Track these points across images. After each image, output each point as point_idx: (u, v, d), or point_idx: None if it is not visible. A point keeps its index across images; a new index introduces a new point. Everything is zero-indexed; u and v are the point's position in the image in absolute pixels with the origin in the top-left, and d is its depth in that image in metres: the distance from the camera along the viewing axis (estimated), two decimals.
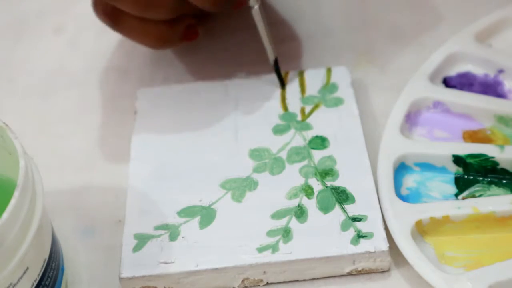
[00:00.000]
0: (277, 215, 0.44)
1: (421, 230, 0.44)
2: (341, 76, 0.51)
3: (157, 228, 0.44)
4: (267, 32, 0.49)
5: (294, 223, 0.43)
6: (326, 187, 0.45)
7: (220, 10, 0.48)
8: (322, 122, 0.48)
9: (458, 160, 0.46)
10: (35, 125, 0.52)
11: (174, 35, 0.49)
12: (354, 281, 0.43)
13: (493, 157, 0.45)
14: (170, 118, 0.50)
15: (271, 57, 0.50)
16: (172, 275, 0.42)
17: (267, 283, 0.43)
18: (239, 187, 0.45)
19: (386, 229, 0.43)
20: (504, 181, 0.45)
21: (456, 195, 0.45)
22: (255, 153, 0.47)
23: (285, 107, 0.50)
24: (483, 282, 0.40)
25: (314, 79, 0.51)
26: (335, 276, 0.43)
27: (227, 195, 0.45)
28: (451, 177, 0.46)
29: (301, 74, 0.51)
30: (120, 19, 0.48)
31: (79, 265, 0.45)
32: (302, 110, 0.49)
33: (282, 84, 0.50)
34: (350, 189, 0.44)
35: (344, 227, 0.43)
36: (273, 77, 0.51)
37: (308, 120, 0.49)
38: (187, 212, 0.45)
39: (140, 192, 0.46)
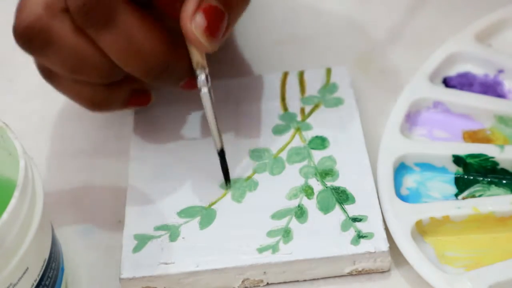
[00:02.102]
0: (277, 216, 0.44)
1: (421, 230, 0.44)
2: (341, 76, 0.51)
3: (157, 228, 0.44)
4: (215, 118, 0.44)
5: (294, 224, 0.43)
6: (326, 187, 0.45)
7: (158, 83, 0.43)
8: (322, 122, 0.48)
9: (458, 160, 0.46)
10: (35, 125, 0.52)
11: (113, 100, 0.46)
12: (354, 281, 0.43)
13: (493, 157, 0.45)
14: (170, 118, 0.50)
15: (217, 146, 0.44)
16: (172, 275, 0.42)
17: (267, 284, 0.43)
18: (239, 188, 0.45)
19: (386, 229, 0.43)
20: (504, 181, 0.45)
21: (456, 195, 0.45)
22: (255, 153, 0.47)
23: (285, 107, 0.50)
24: (483, 282, 0.40)
25: (314, 79, 0.51)
26: (335, 277, 0.43)
27: (227, 195, 0.45)
28: (451, 177, 0.46)
29: (301, 74, 0.51)
30: (56, 78, 0.45)
31: (79, 265, 0.45)
32: (302, 110, 0.49)
33: (227, 180, 0.45)
34: (350, 189, 0.44)
35: (344, 227, 0.43)
36: (273, 77, 0.51)
37: (308, 120, 0.49)
38: (187, 212, 0.45)
39: (140, 193, 0.46)
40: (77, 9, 0.40)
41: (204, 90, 0.43)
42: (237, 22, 0.44)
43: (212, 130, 0.44)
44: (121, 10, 0.41)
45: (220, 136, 0.44)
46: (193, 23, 0.41)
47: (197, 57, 0.43)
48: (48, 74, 0.45)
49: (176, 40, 0.42)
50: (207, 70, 0.43)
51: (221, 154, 0.45)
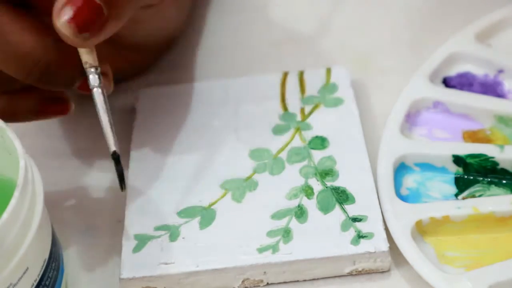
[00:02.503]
0: (277, 216, 0.44)
1: (421, 230, 0.44)
2: (340, 76, 0.51)
3: (157, 228, 0.44)
4: (108, 118, 0.41)
5: (294, 224, 0.43)
6: (326, 187, 0.45)
7: (47, 86, 0.41)
8: (322, 122, 0.48)
9: (458, 160, 0.46)
10: (35, 125, 0.52)
11: (21, 110, 0.43)
12: (354, 281, 0.43)
13: (493, 157, 0.45)
14: (170, 118, 0.50)
15: (110, 148, 0.41)
16: (172, 275, 0.42)
17: (267, 284, 0.43)
18: (239, 188, 0.45)
19: (386, 229, 0.43)
20: (504, 181, 0.45)
21: (456, 195, 0.45)
22: (255, 153, 0.47)
23: (285, 107, 0.50)
24: (483, 282, 0.40)
25: (313, 79, 0.51)
26: (335, 277, 0.43)
27: (227, 195, 0.45)
28: (451, 177, 0.46)
29: (300, 74, 0.51)
30: None
31: (79, 265, 0.45)
32: (302, 110, 0.49)
33: (122, 184, 0.42)
34: (350, 189, 0.44)
35: (344, 227, 0.43)
36: (273, 77, 0.51)
37: (308, 120, 0.49)
38: (187, 212, 0.45)
39: (140, 193, 0.46)
40: None
41: (96, 91, 0.41)
42: (127, 16, 0.41)
43: (105, 132, 0.41)
44: None
45: (114, 137, 0.41)
46: (61, 17, 0.39)
47: (84, 56, 0.41)
48: None
49: (60, 39, 0.40)
50: (99, 70, 0.41)
51: (115, 156, 0.41)
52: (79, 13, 0.39)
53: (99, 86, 0.41)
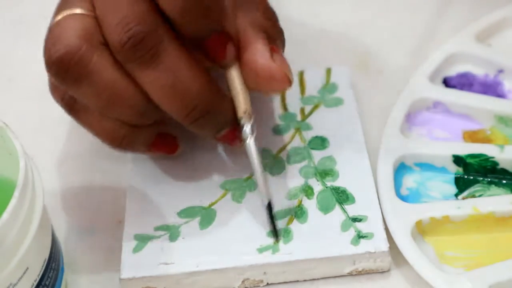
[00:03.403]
0: (277, 215, 0.44)
1: (421, 230, 0.44)
2: (340, 76, 0.51)
3: (157, 228, 0.44)
4: (261, 170, 0.42)
5: (294, 224, 0.43)
6: (326, 187, 0.45)
7: (195, 127, 0.42)
8: (322, 122, 0.48)
9: (458, 160, 0.46)
10: (35, 125, 0.52)
11: (138, 141, 0.44)
12: (354, 281, 0.43)
13: (493, 157, 0.45)
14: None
15: (264, 199, 0.42)
16: (172, 276, 0.42)
17: (268, 284, 0.43)
18: (239, 188, 0.45)
19: (386, 229, 0.43)
20: (504, 181, 0.45)
21: (456, 195, 0.45)
22: None
23: (285, 107, 0.50)
24: (483, 282, 0.40)
25: (313, 79, 0.51)
26: (335, 277, 0.43)
27: (227, 195, 0.45)
28: (451, 177, 0.46)
29: (300, 74, 0.51)
30: (78, 109, 0.43)
31: (79, 265, 0.45)
32: (302, 110, 0.49)
33: (276, 234, 0.42)
34: (350, 189, 0.44)
35: (344, 227, 0.43)
36: None
37: (308, 120, 0.49)
38: (187, 212, 0.45)
39: (140, 193, 0.46)
40: (120, 44, 0.39)
41: (250, 141, 0.42)
42: None
43: (258, 182, 0.42)
44: (167, 46, 0.40)
45: (267, 188, 0.42)
46: (276, 61, 0.42)
47: (243, 106, 0.42)
48: (71, 105, 0.43)
49: (217, 85, 0.41)
50: (253, 120, 0.42)
51: (269, 207, 0.42)
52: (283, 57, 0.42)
53: (253, 136, 0.42)
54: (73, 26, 0.40)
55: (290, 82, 0.42)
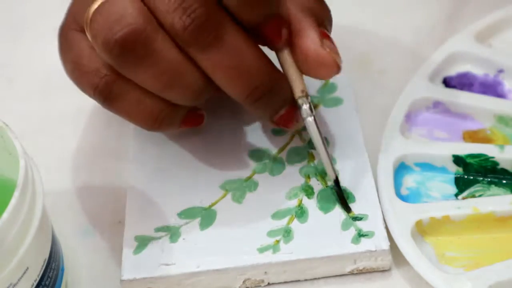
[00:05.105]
0: (277, 215, 0.44)
1: (421, 230, 0.44)
2: (340, 76, 0.50)
3: (158, 230, 0.44)
4: (324, 147, 0.43)
5: (294, 223, 0.43)
6: (327, 186, 0.45)
7: (256, 107, 0.42)
8: (322, 122, 0.48)
9: (458, 160, 0.46)
10: (35, 125, 0.52)
11: (175, 118, 0.44)
12: (354, 281, 0.43)
13: (493, 157, 0.45)
14: None
15: (331, 175, 0.44)
16: (173, 276, 0.42)
17: (268, 284, 0.43)
18: (239, 188, 0.45)
19: (386, 229, 0.43)
20: (504, 181, 0.45)
21: (456, 195, 0.45)
22: (255, 154, 0.47)
23: None
24: (483, 282, 0.40)
25: (313, 79, 0.51)
26: (336, 276, 0.43)
27: (228, 196, 0.45)
28: (451, 177, 0.46)
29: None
30: (113, 97, 0.42)
31: (79, 265, 0.45)
32: None
33: (347, 209, 0.43)
34: (350, 188, 0.44)
35: (345, 226, 0.43)
36: None
37: None
38: (188, 213, 0.45)
39: (140, 194, 0.46)
40: (183, 28, 0.39)
41: (310, 119, 0.42)
42: None
43: (323, 160, 0.43)
44: (229, 28, 0.40)
45: (332, 165, 0.43)
46: (326, 47, 0.42)
47: (300, 85, 0.43)
48: (106, 94, 0.42)
49: (275, 66, 0.42)
50: (309, 98, 0.43)
51: (336, 182, 0.44)
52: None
53: (313, 115, 0.42)
54: (129, 5, 0.40)
55: (339, 68, 0.43)
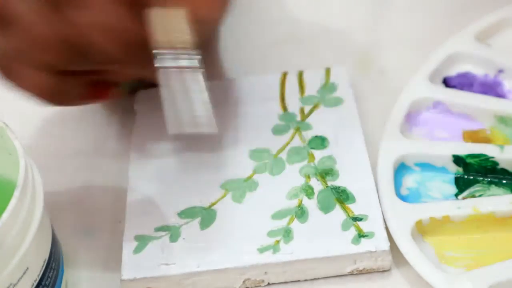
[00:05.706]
0: (277, 216, 0.44)
1: (421, 230, 0.44)
2: (340, 76, 0.51)
3: (158, 229, 0.44)
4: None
5: (295, 223, 0.43)
6: (327, 187, 0.45)
7: (132, 65, 0.42)
8: (322, 122, 0.48)
9: (458, 160, 0.46)
10: (35, 125, 0.52)
11: (73, 91, 0.43)
12: (354, 281, 0.43)
13: (493, 157, 0.45)
14: None
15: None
16: (173, 276, 0.42)
17: (268, 284, 0.43)
18: (240, 188, 0.45)
19: (386, 229, 0.43)
20: (504, 181, 0.45)
21: (456, 195, 0.45)
22: (255, 154, 0.47)
23: (284, 107, 0.50)
24: (483, 282, 0.40)
25: (313, 79, 0.51)
26: (336, 276, 0.43)
27: (228, 196, 0.45)
28: (451, 177, 0.46)
29: (300, 74, 0.51)
30: (14, 69, 0.42)
31: (79, 265, 0.45)
32: (302, 110, 0.49)
33: None
34: (350, 188, 0.44)
35: (345, 226, 0.43)
36: (273, 77, 0.51)
37: (308, 120, 0.49)
38: (188, 213, 0.45)
39: (140, 193, 0.46)
40: None
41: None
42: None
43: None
44: None
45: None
46: None
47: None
48: (6, 65, 0.42)
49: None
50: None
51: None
52: None
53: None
54: None
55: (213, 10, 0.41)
